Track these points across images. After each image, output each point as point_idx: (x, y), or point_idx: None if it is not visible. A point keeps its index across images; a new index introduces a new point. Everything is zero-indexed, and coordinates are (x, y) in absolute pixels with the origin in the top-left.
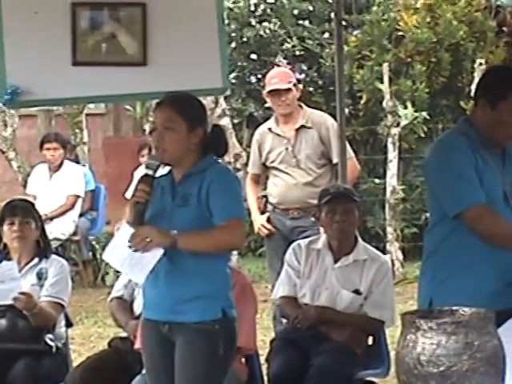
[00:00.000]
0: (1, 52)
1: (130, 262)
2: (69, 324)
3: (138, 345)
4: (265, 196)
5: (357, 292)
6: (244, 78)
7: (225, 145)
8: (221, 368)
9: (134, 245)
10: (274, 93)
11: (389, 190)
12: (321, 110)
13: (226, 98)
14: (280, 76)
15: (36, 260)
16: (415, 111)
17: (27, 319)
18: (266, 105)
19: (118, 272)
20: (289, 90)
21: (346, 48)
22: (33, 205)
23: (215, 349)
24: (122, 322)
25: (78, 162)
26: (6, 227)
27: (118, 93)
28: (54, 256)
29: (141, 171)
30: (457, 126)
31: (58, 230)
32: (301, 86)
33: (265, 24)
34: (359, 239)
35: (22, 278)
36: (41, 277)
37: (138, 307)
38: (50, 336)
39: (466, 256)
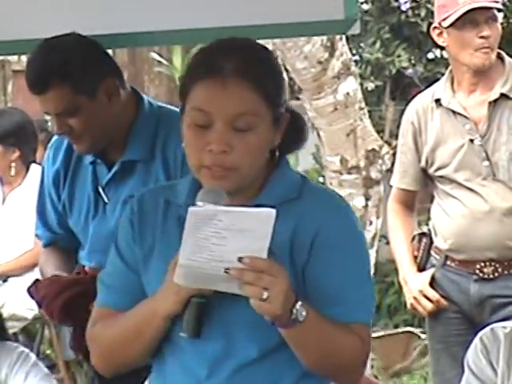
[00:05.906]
0: None
1: None
2: None
3: None
4: (424, 234)
5: None
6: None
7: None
8: None
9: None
10: (466, 21)
11: None
12: None
13: (347, 38)
14: None
15: None
16: None
17: None
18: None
19: None
20: (494, 17)
21: None
22: None
23: None
24: None
25: None
26: None
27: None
28: None
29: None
30: None
31: None
32: (500, 18)
33: None
34: None
35: None
36: None
37: None
38: None
39: None
